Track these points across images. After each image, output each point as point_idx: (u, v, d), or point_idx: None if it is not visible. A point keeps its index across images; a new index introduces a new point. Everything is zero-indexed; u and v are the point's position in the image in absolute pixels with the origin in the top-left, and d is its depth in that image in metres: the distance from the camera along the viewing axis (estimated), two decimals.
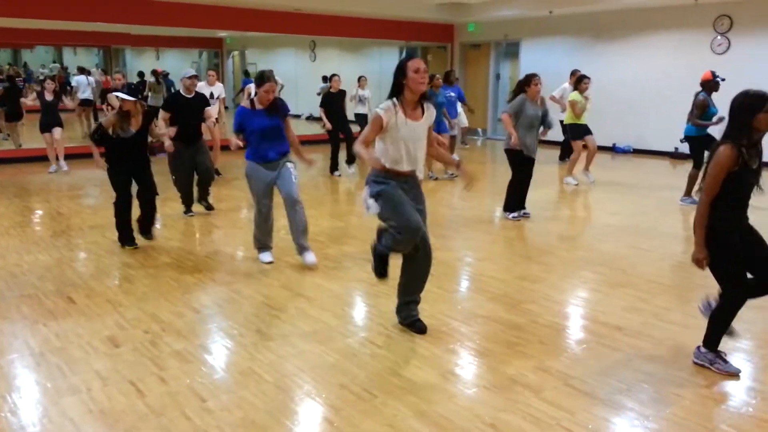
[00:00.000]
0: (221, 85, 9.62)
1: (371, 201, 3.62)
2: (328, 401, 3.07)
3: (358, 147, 3.57)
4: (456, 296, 4.69)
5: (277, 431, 2.82)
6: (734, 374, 3.32)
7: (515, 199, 6.86)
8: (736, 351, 3.63)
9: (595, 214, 7.26)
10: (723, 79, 7.32)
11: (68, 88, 14.00)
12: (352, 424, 2.86)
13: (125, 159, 5.48)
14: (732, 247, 3.22)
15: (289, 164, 5.11)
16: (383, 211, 3.60)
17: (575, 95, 8.87)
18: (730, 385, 3.28)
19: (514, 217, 6.83)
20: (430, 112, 3.71)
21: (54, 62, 20.80)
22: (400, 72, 3.54)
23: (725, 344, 3.50)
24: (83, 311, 4.21)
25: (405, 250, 3.71)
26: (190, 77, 6.80)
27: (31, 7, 10.09)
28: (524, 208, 6.95)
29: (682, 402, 3.09)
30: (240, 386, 3.21)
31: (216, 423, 2.86)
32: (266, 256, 5.27)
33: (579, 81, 8.90)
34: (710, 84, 7.33)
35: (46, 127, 9.57)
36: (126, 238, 5.69)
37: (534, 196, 7.22)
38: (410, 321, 3.88)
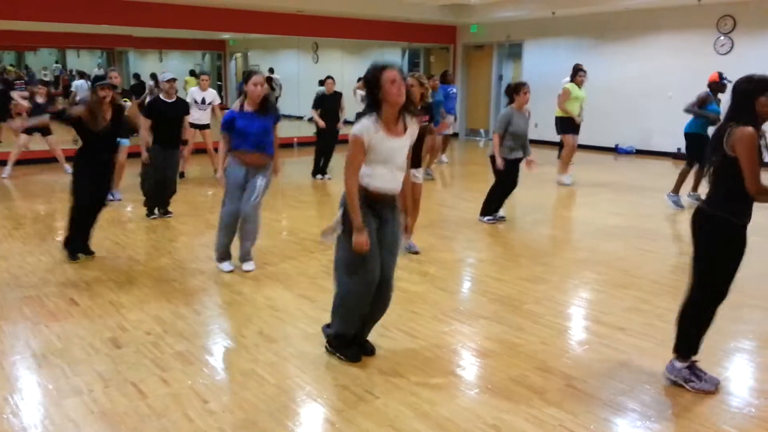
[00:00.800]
0: (214, 91, 9.48)
1: (337, 232, 3.30)
2: (330, 402, 3.07)
3: (348, 182, 3.20)
4: (458, 297, 4.68)
5: None
6: (711, 392, 3.14)
7: (494, 204, 6.73)
8: (739, 351, 3.62)
9: (597, 214, 7.25)
10: (730, 81, 7.31)
11: (71, 91, 14.01)
12: (353, 425, 2.86)
13: (95, 159, 5.20)
14: (739, 242, 3.05)
15: (260, 179, 4.89)
16: (347, 251, 3.26)
17: (571, 85, 8.89)
18: (732, 386, 3.27)
19: (489, 220, 6.71)
20: (413, 129, 3.34)
21: (56, 63, 20.85)
22: (374, 84, 3.15)
23: (728, 347, 3.48)
24: (85, 312, 4.21)
25: (352, 318, 3.41)
26: (168, 80, 6.74)
27: (34, 9, 10.12)
28: (497, 211, 6.80)
29: (685, 402, 3.08)
30: (242, 387, 3.21)
31: (218, 424, 2.86)
32: (227, 266, 5.09)
33: (575, 73, 8.91)
34: (717, 85, 7.35)
35: (31, 130, 9.41)
36: (76, 248, 5.35)
37: (535, 197, 7.23)
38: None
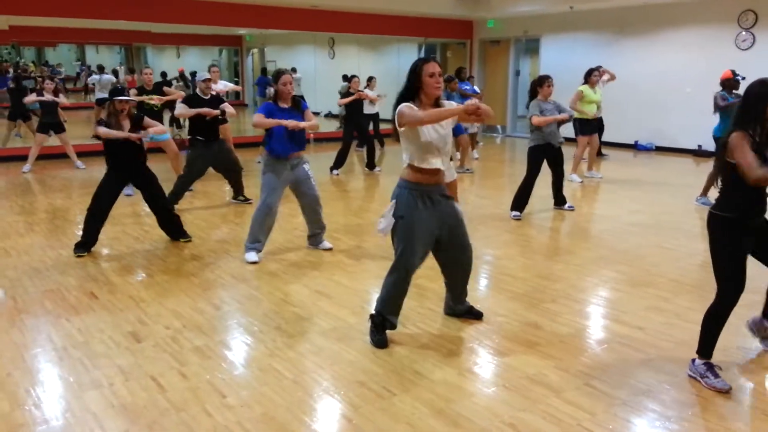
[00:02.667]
0: (224, 81, 9.76)
1: (389, 219, 3.53)
2: (347, 398, 3.08)
3: (424, 116, 3.37)
4: (475, 294, 4.65)
5: (296, 428, 2.83)
6: (722, 390, 3.12)
7: (523, 199, 6.81)
8: (759, 353, 3.57)
9: (617, 212, 7.18)
10: (743, 78, 7.22)
11: (89, 86, 14.15)
12: (370, 422, 2.86)
13: (123, 165, 5.43)
14: (739, 238, 3.11)
15: (305, 165, 5.27)
16: (397, 234, 3.55)
17: (585, 87, 8.88)
18: (753, 388, 3.24)
19: (515, 216, 6.79)
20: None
21: (77, 60, 21.08)
22: (415, 76, 3.42)
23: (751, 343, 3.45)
24: (105, 306, 4.26)
25: (396, 299, 3.65)
26: (204, 80, 7.13)
27: (53, 5, 10.22)
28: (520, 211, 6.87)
29: (705, 403, 3.04)
30: (260, 382, 3.22)
31: (236, 419, 2.88)
32: (253, 256, 5.21)
33: (589, 74, 8.91)
34: (730, 83, 7.26)
35: (42, 128, 9.57)
36: (82, 245, 5.42)
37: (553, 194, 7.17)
38: (463, 311, 4.06)
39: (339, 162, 9.65)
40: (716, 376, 3.19)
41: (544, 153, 6.72)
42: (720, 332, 3.23)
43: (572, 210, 7.12)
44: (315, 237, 5.59)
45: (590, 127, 9.04)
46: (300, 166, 5.23)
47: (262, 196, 5.21)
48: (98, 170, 9.60)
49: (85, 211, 5.49)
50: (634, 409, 2.98)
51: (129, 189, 7.51)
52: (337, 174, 9.61)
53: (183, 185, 7.05)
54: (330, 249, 5.55)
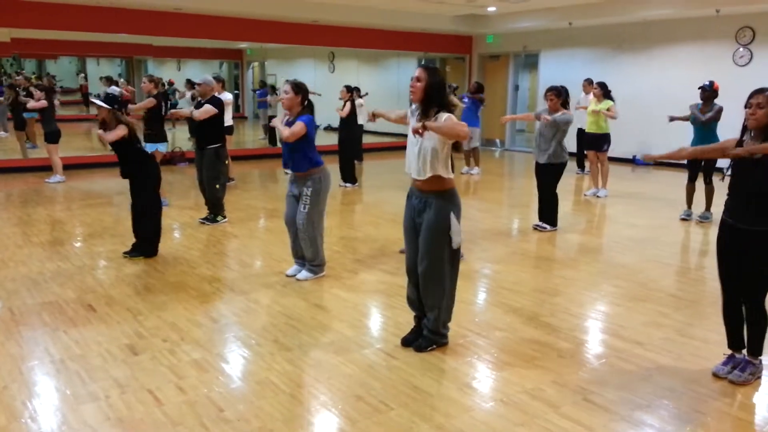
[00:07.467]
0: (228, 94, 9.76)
1: (457, 227, 3.72)
2: (344, 412, 3.06)
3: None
4: (473, 308, 4.66)
5: None
6: None
7: (544, 212, 6.88)
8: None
9: (615, 226, 7.20)
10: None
11: (91, 102, 14.22)
12: None
13: (123, 170, 5.61)
14: (723, 236, 3.45)
15: (306, 188, 4.93)
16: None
17: (593, 103, 8.99)
18: (752, 403, 3.23)
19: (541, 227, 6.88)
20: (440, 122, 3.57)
21: (79, 72, 21.19)
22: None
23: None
24: (103, 319, 4.25)
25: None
26: (197, 83, 7.23)
27: (55, 18, 10.29)
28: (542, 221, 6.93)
29: (704, 419, 3.04)
30: (257, 396, 3.21)
31: None
32: (289, 269, 5.26)
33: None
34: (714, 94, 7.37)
35: (47, 138, 9.61)
36: (133, 249, 5.76)
37: None
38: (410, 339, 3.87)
39: (344, 173, 9.71)
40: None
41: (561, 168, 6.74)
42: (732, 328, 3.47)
43: (542, 230, 6.91)
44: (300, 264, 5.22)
45: (586, 142, 9.07)
46: (304, 186, 4.93)
47: (322, 215, 5.11)
48: (88, 183, 9.62)
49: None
50: (633, 425, 2.97)
51: (165, 200, 7.63)
52: (348, 186, 9.66)
53: (202, 191, 7.15)
54: (306, 280, 5.09)
